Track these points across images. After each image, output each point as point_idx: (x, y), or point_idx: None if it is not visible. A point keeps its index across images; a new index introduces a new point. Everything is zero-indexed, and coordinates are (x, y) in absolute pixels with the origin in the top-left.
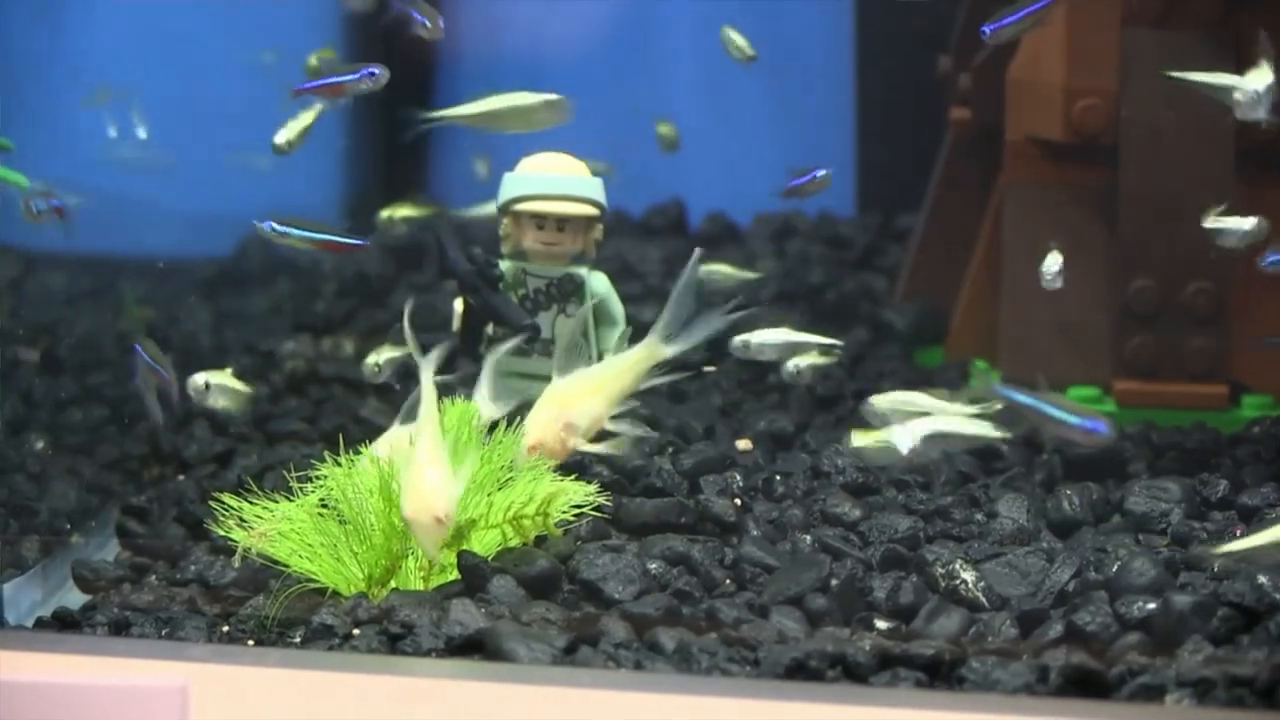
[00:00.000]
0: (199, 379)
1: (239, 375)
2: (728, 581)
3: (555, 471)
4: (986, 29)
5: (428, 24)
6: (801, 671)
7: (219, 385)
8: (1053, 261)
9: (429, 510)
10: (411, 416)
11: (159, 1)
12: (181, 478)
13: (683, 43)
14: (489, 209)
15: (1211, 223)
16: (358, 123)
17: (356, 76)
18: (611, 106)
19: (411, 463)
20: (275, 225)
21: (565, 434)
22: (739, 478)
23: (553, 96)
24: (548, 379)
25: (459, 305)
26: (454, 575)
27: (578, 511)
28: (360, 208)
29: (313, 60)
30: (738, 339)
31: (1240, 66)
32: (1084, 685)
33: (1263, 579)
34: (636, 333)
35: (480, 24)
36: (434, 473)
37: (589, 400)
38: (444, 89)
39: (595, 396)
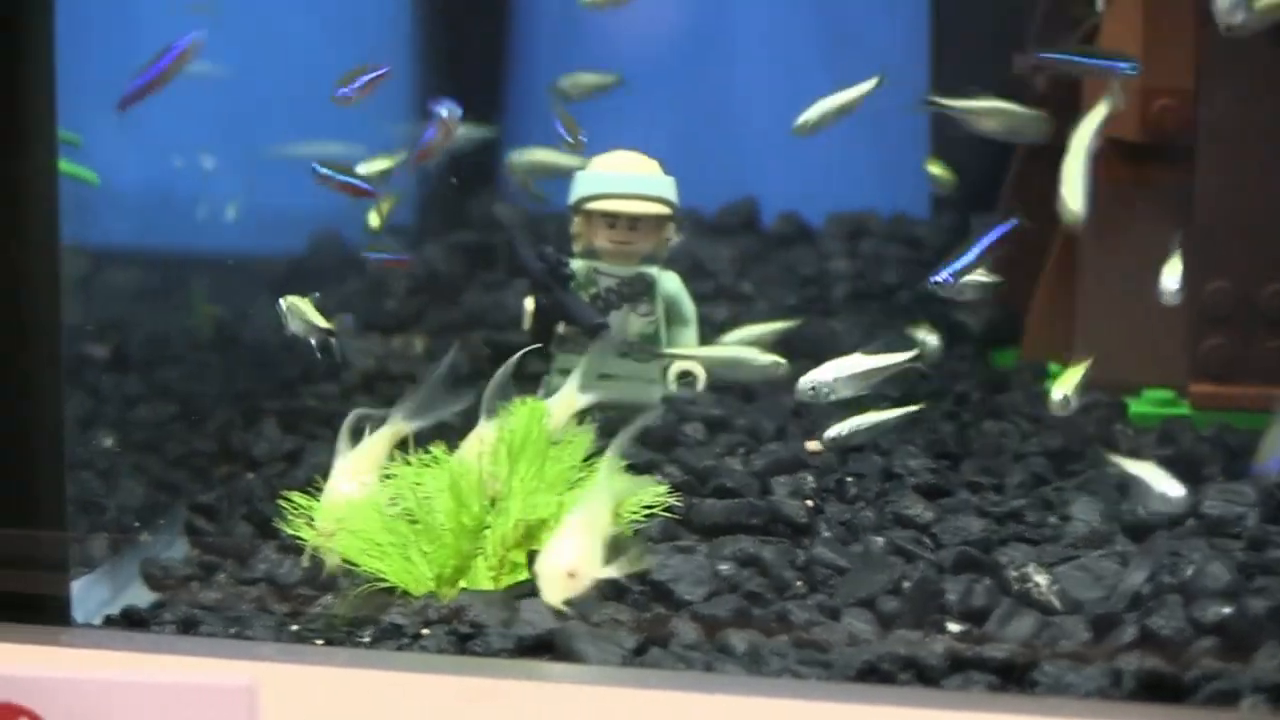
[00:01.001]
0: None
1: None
2: (799, 583)
3: (626, 471)
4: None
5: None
6: (873, 674)
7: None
8: (1171, 271)
9: (562, 564)
10: (491, 411)
11: None
12: (250, 475)
13: (757, 40)
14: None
15: None
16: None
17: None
18: (685, 104)
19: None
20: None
21: (595, 563)
22: (811, 479)
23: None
24: (631, 379)
25: (530, 304)
26: (525, 575)
27: (648, 512)
28: (433, 203)
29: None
30: (805, 381)
31: None
32: (1158, 690)
33: None
34: (709, 331)
35: (554, 18)
36: (582, 533)
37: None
38: (517, 83)
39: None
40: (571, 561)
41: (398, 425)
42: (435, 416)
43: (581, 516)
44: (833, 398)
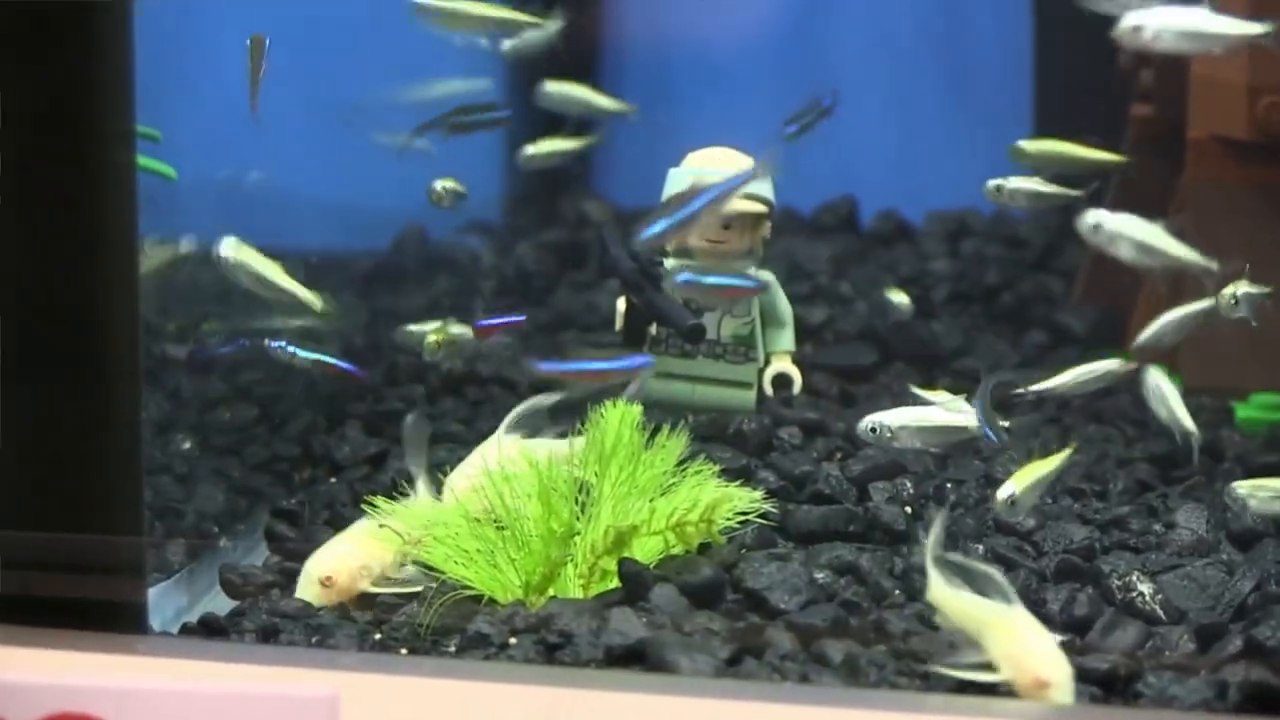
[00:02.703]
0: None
1: None
2: (897, 592)
3: (719, 477)
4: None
5: None
6: (972, 686)
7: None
8: (1242, 288)
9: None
10: (519, 426)
11: None
12: (333, 480)
13: (858, 35)
14: None
15: None
16: (518, 119)
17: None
18: (784, 100)
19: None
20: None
21: (359, 576)
22: (909, 484)
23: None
24: (716, 382)
25: (621, 304)
26: (614, 583)
27: (743, 519)
28: (521, 205)
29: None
30: (867, 420)
31: None
32: (1264, 702)
33: None
34: (804, 334)
35: (646, 16)
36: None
37: (385, 551)
38: (609, 81)
39: (389, 550)
40: (329, 568)
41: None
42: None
43: (365, 526)
44: (894, 444)
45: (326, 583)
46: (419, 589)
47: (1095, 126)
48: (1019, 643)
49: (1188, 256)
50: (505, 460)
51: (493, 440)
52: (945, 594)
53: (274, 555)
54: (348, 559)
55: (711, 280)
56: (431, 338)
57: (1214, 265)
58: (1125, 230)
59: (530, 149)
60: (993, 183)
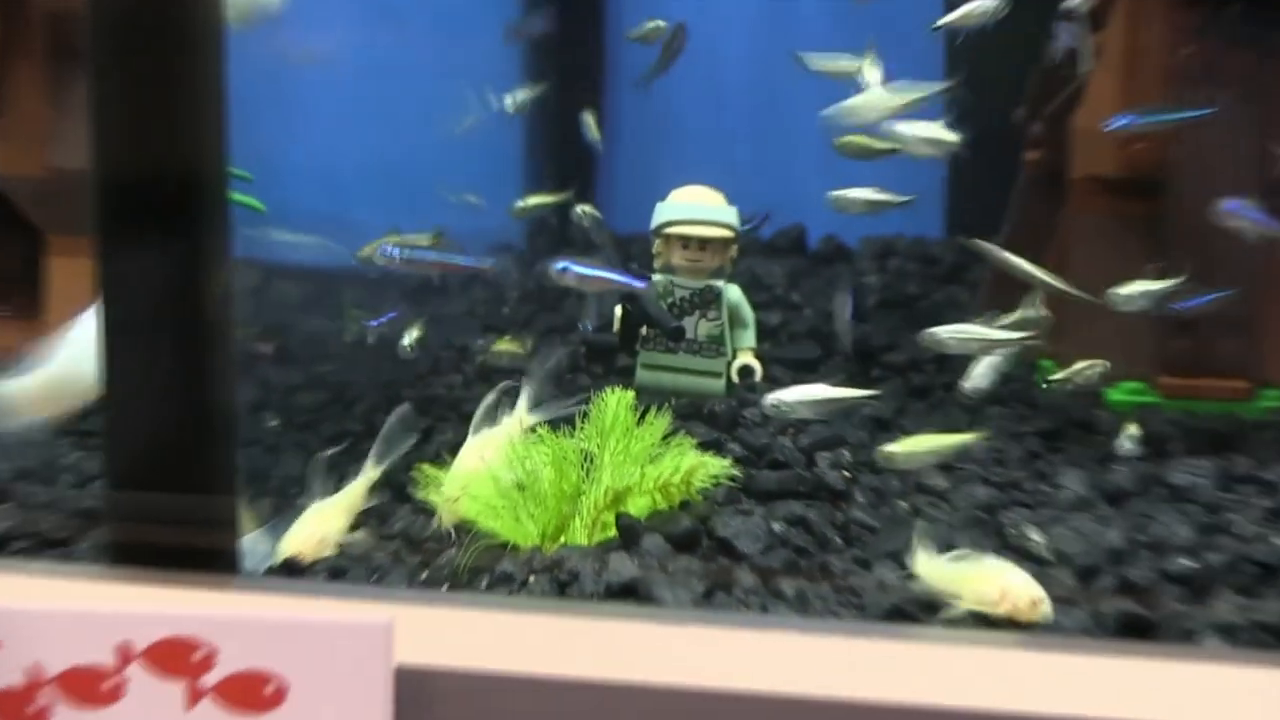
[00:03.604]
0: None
1: None
2: (838, 540)
3: (696, 448)
4: (1109, 125)
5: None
6: (898, 615)
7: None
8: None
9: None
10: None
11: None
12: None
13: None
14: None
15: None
16: (534, 147)
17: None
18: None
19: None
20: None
21: (320, 545)
22: (847, 454)
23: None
24: (693, 372)
25: (619, 310)
26: (613, 533)
27: (714, 481)
28: (539, 231)
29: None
30: (770, 398)
31: (1266, 118)
32: (1133, 628)
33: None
34: (763, 334)
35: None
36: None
37: (340, 519)
38: (614, 95)
39: (341, 517)
40: (294, 549)
41: (520, 415)
42: (549, 409)
43: (333, 504)
44: (793, 416)
45: (296, 560)
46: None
47: (999, 171)
48: (1005, 579)
49: None
50: (520, 434)
51: (515, 416)
52: (930, 565)
53: (368, 526)
54: (307, 538)
55: (590, 272)
56: (500, 346)
57: None
58: None
59: (519, 203)
60: (832, 193)
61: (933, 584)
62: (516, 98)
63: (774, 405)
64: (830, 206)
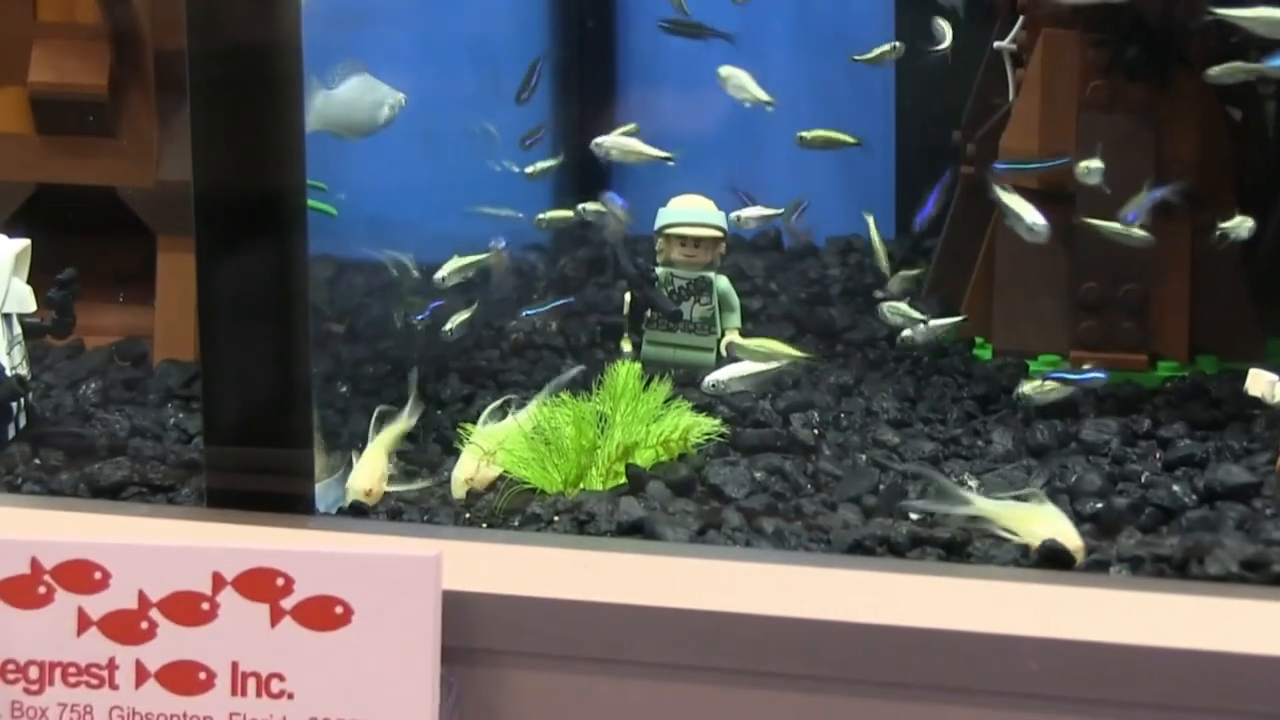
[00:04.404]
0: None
1: None
2: (809, 486)
3: (692, 411)
4: (998, 166)
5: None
6: (859, 549)
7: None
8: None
9: (360, 485)
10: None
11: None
12: (439, 412)
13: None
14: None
15: None
16: (560, 169)
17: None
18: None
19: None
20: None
21: (381, 479)
22: (816, 415)
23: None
24: (689, 348)
25: (627, 297)
26: (623, 481)
27: (707, 437)
28: (563, 231)
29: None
30: (708, 380)
31: (1160, 141)
32: (1053, 561)
33: (1176, 488)
34: (746, 316)
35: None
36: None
37: (382, 458)
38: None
39: (382, 456)
40: (369, 483)
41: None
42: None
43: (378, 446)
44: (729, 391)
45: (368, 495)
46: (416, 485)
47: (937, 180)
48: (1059, 525)
49: None
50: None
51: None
52: (989, 504)
53: (399, 461)
54: (374, 472)
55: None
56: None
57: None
58: None
59: (542, 215)
60: (733, 214)
61: (993, 521)
62: (537, 166)
63: (712, 385)
64: (734, 223)
